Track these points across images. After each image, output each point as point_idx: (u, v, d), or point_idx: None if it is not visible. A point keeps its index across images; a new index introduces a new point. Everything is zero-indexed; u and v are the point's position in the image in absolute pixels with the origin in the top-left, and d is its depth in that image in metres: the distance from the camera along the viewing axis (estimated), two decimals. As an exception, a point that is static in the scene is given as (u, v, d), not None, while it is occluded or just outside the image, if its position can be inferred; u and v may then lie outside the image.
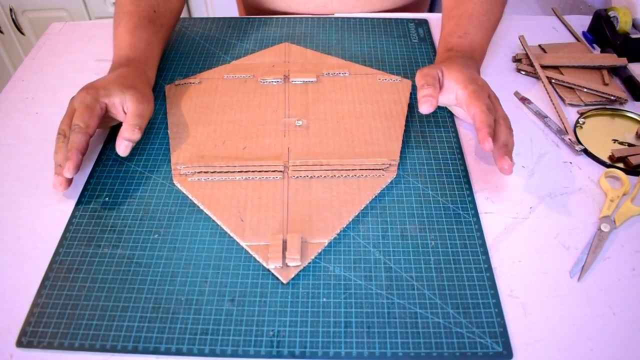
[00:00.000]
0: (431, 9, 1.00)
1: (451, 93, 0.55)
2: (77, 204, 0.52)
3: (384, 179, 0.54)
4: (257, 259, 0.47)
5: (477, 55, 0.61)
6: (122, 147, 0.53)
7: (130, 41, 0.61)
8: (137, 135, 0.53)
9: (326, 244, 0.48)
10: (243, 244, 0.49)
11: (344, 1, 0.82)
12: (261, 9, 0.87)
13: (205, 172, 0.54)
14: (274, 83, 0.66)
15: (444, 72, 0.55)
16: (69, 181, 0.52)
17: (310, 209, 0.51)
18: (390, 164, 0.55)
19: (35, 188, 0.54)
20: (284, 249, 0.47)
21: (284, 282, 0.46)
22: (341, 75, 0.67)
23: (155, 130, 0.61)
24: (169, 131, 0.60)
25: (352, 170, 0.54)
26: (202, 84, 0.66)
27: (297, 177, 0.54)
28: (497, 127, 0.51)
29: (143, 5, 0.64)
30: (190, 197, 0.53)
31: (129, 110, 0.54)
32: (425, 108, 0.52)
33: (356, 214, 0.51)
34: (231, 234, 0.49)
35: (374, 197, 0.52)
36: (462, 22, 0.62)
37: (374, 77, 0.67)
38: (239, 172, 0.54)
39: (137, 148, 0.58)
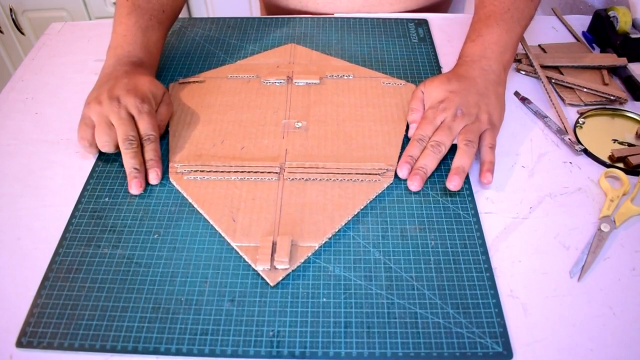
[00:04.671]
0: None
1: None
2: (77, 204, 0.52)
3: (380, 184, 0.53)
4: (246, 260, 0.47)
5: (491, 53, 0.60)
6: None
7: (142, 41, 0.62)
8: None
9: (317, 248, 0.48)
10: (233, 244, 0.48)
11: (369, 1, 0.82)
12: (285, 9, 0.87)
13: (201, 171, 0.54)
14: (277, 84, 0.66)
15: (424, 92, 0.59)
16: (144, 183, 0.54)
17: (303, 212, 0.51)
18: (387, 169, 0.54)
19: (35, 188, 0.54)
20: (273, 251, 0.47)
21: (272, 284, 0.45)
22: (345, 77, 0.67)
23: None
24: (169, 129, 0.60)
25: (348, 174, 0.54)
26: (205, 83, 0.66)
27: (293, 179, 0.54)
28: (425, 150, 0.54)
29: (154, 2, 0.64)
30: (185, 195, 0.53)
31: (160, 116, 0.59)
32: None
33: (349, 218, 0.50)
34: (222, 234, 0.49)
35: (368, 202, 0.52)
36: (478, 25, 0.63)
37: (377, 81, 0.66)
38: (234, 172, 0.54)
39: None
